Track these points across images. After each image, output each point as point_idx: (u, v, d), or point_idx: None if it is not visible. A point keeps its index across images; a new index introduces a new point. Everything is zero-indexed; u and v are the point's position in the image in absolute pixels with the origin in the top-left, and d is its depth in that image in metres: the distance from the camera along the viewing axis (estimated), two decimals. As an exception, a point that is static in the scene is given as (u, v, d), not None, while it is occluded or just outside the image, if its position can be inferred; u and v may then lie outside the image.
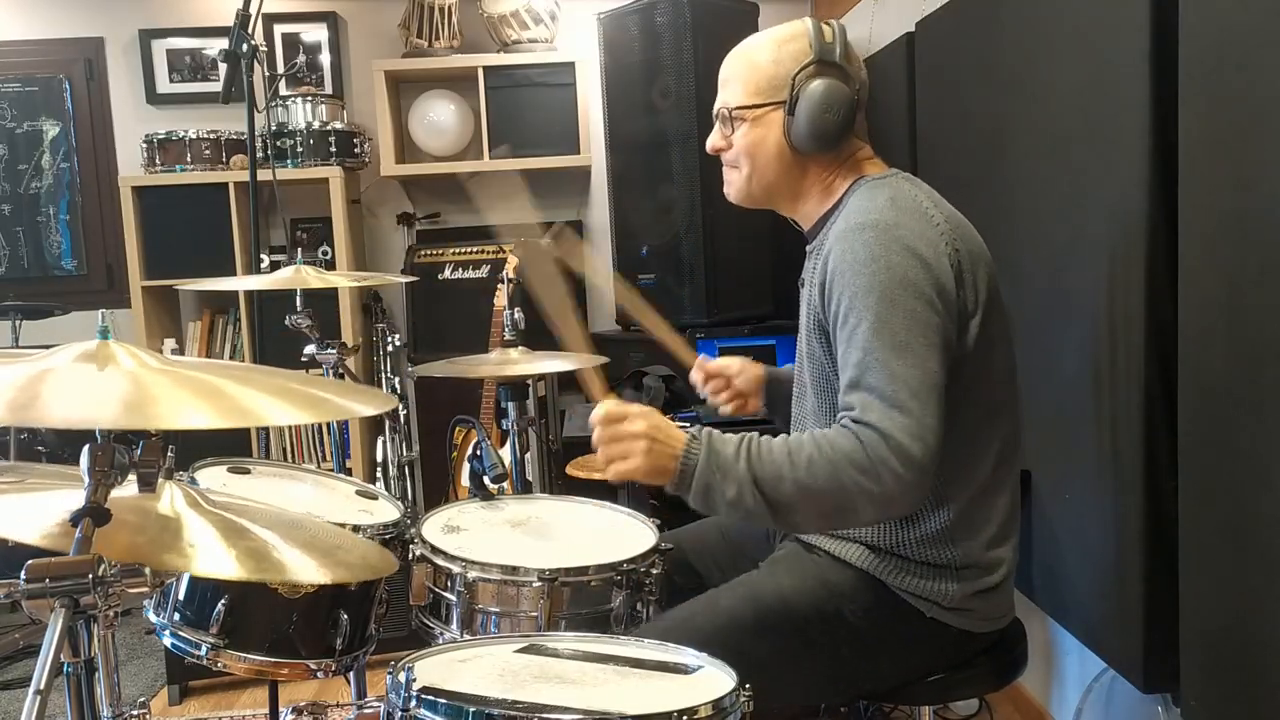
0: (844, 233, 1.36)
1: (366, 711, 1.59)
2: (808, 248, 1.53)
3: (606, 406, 1.33)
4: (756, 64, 1.46)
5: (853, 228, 1.35)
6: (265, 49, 2.67)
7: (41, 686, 0.85)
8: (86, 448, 0.97)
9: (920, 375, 1.24)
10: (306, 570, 1.13)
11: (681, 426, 1.33)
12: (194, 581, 1.45)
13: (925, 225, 1.35)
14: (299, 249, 2.75)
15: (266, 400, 1.00)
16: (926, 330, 1.27)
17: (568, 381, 3.58)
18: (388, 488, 3.50)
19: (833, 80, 1.40)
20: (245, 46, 2.48)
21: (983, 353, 1.36)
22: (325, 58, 3.85)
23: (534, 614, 1.44)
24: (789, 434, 1.37)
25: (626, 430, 1.30)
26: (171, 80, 3.84)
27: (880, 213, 1.35)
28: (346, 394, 1.17)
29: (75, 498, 0.96)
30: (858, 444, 1.22)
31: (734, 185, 1.52)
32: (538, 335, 1.97)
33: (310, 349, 2.19)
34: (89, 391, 0.94)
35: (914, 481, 1.21)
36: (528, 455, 2.25)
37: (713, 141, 1.52)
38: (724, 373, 1.74)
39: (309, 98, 3.63)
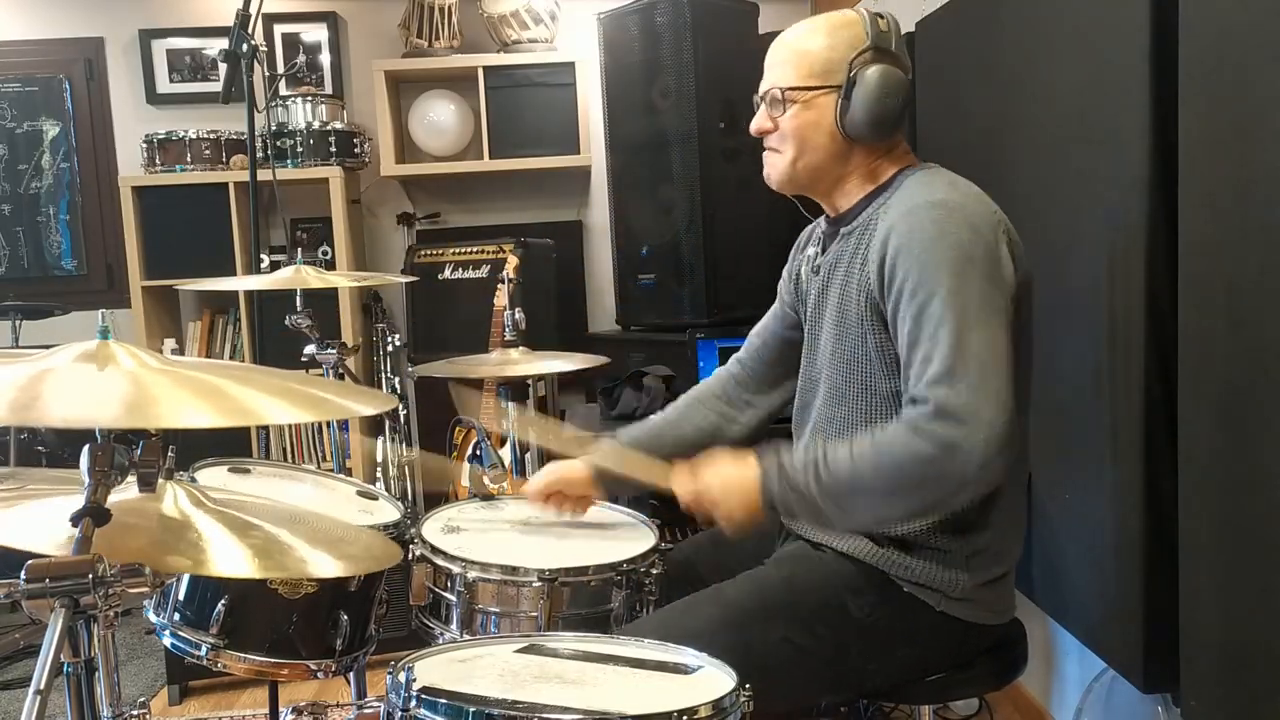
0: (911, 210, 1.36)
1: (366, 711, 1.59)
2: (843, 229, 1.50)
3: (682, 491, 1.43)
4: (809, 48, 1.45)
5: (921, 205, 1.36)
6: (265, 49, 2.67)
7: (41, 686, 0.85)
8: (86, 448, 0.97)
9: (990, 351, 1.26)
10: (317, 563, 1.14)
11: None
12: (194, 581, 1.45)
13: (987, 210, 1.37)
14: (299, 249, 2.75)
15: (267, 400, 1.00)
16: (993, 307, 1.29)
17: (568, 381, 3.59)
18: (388, 488, 3.51)
19: (890, 67, 1.41)
20: (245, 46, 2.48)
21: (1015, 340, 1.36)
22: (325, 58, 3.85)
23: (534, 614, 1.44)
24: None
25: (708, 500, 1.40)
26: (171, 80, 3.84)
27: (946, 192, 1.37)
28: (345, 394, 1.17)
29: (77, 503, 0.96)
30: (929, 435, 1.24)
31: (776, 168, 1.50)
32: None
33: (310, 349, 2.19)
34: (89, 391, 0.94)
35: (993, 453, 1.23)
36: (528, 455, 2.25)
37: (758, 123, 1.50)
38: (553, 489, 1.67)
39: (309, 98, 3.63)
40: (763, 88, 1.49)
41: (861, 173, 1.48)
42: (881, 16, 1.44)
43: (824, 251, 1.54)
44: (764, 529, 1.64)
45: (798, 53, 1.45)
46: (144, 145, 3.57)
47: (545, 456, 1.46)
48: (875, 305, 1.39)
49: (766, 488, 1.35)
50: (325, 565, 1.16)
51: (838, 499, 1.31)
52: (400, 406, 3.68)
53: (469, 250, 3.59)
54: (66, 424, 0.88)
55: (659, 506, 2.27)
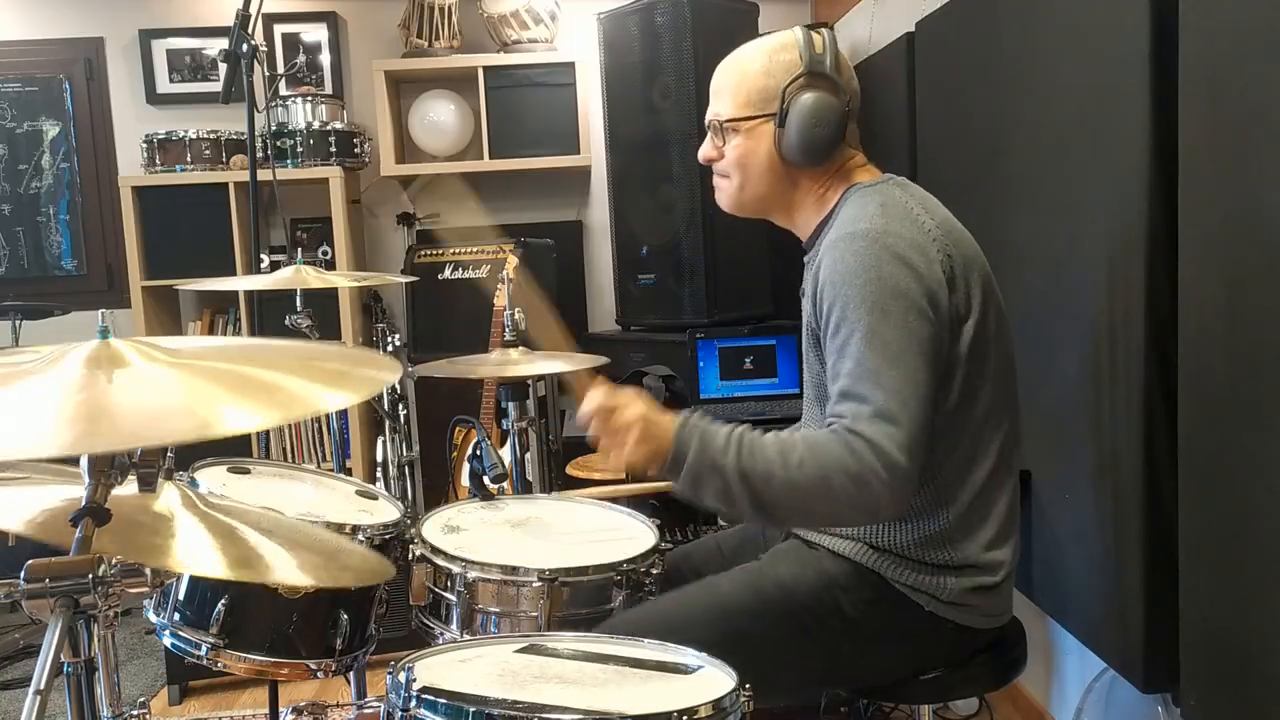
0: (835, 242, 1.36)
1: (366, 711, 1.59)
2: (805, 259, 1.53)
3: (598, 397, 1.34)
4: (747, 75, 1.46)
5: (843, 237, 1.35)
6: (265, 49, 2.67)
7: (41, 686, 0.85)
8: (86, 448, 0.96)
9: (911, 387, 1.25)
10: (296, 575, 1.13)
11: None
12: (194, 581, 1.45)
13: (916, 231, 1.35)
14: (299, 249, 2.74)
15: (307, 385, 0.93)
16: (917, 340, 1.28)
17: (567, 381, 3.58)
18: (388, 488, 3.50)
19: (822, 93, 1.41)
20: (245, 46, 2.48)
21: (979, 355, 1.36)
22: (325, 58, 3.85)
23: (534, 614, 1.44)
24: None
25: (619, 419, 1.32)
26: (171, 80, 3.84)
27: (870, 220, 1.35)
28: (363, 363, 1.09)
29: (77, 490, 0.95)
30: (848, 451, 1.23)
31: (725, 194, 1.53)
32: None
33: (310, 349, 2.19)
34: (151, 404, 0.88)
35: (899, 491, 1.23)
36: (528, 455, 2.25)
37: (704, 152, 1.53)
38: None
39: (309, 98, 3.63)
40: (707, 116, 1.51)
41: (812, 199, 1.49)
42: (818, 34, 1.43)
43: (803, 279, 1.56)
44: (763, 531, 1.65)
45: (737, 81, 1.46)
46: (144, 145, 3.57)
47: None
48: (816, 335, 1.40)
49: (682, 439, 1.29)
50: (306, 576, 1.14)
51: (747, 474, 1.26)
52: (400, 406, 3.69)
53: (469, 250, 3.59)
54: (142, 442, 0.82)
55: (659, 506, 2.27)
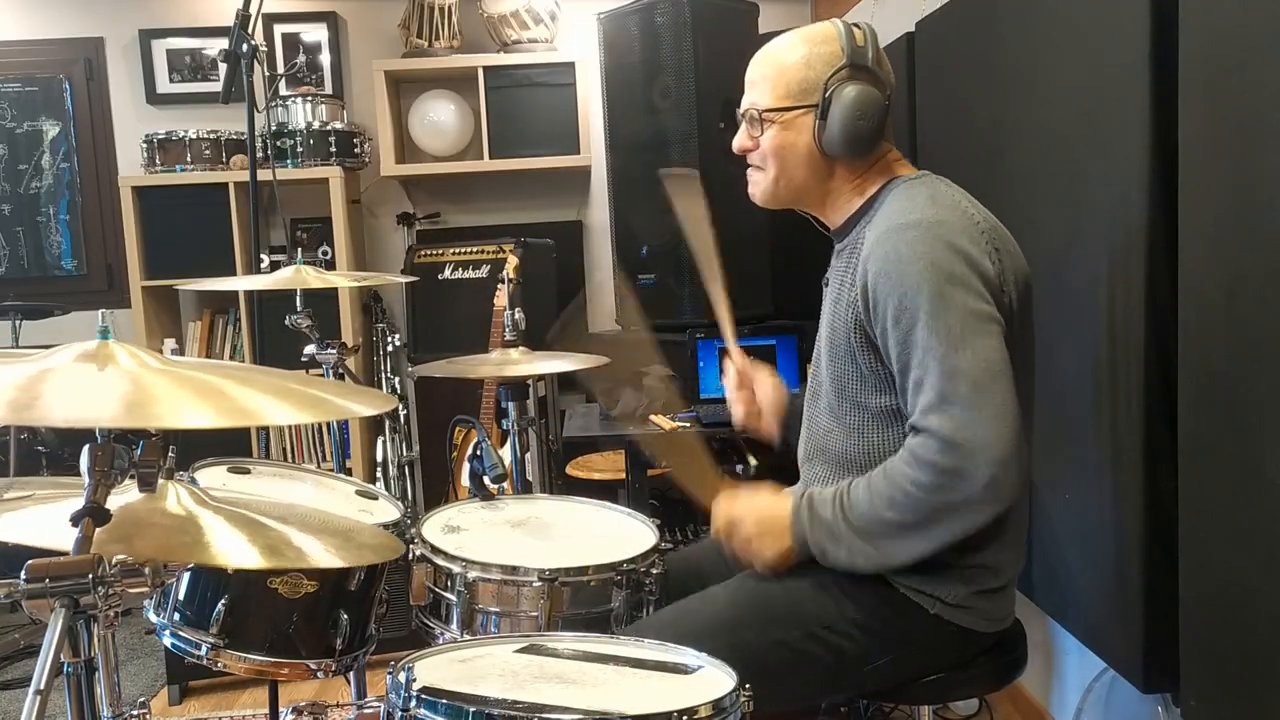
0: (886, 233, 1.35)
1: (366, 711, 1.59)
2: (837, 246, 1.52)
3: (717, 521, 1.46)
4: (786, 66, 1.44)
5: (895, 227, 1.35)
6: (265, 49, 2.67)
7: (41, 686, 0.85)
8: (86, 448, 0.97)
9: (982, 366, 1.25)
10: (325, 556, 1.15)
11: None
12: (194, 581, 1.45)
13: (967, 222, 1.36)
14: (299, 249, 2.74)
15: (266, 400, 1.00)
16: (980, 320, 1.28)
17: (568, 381, 3.58)
18: (388, 488, 3.51)
19: (866, 85, 1.40)
20: (245, 46, 2.48)
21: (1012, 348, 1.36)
22: (325, 58, 3.85)
23: (534, 614, 1.44)
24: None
25: (741, 537, 1.43)
26: (171, 80, 3.84)
27: (921, 211, 1.35)
28: (345, 394, 1.18)
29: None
30: (928, 466, 1.25)
31: (759, 186, 1.51)
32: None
33: (310, 349, 2.19)
34: (90, 391, 0.94)
35: (997, 472, 1.23)
36: (528, 455, 2.25)
37: (739, 142, 1.51)
38: (750, 383, 1.76)
39: (309, 98, 3.63)
40: (743, 105, 1.50)
41: (848, 188, 1.48)
42: (858, 27, 1.43)
43: (830, 266, 1.54)
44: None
45: (775, 72, 1.45)
46: (144, 145, 3.57)
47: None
48: (862, 327, 1.39)
49: (798, 524, 1.38)
50: (333, 558, 1.17)
51: (860, 532, 1.33)
52: (400, 406, 3.69)
53: (469, 250, 3.59)
54: (67, 423, 0.88)
55: (659, 506, 2.26)
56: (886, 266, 1.32)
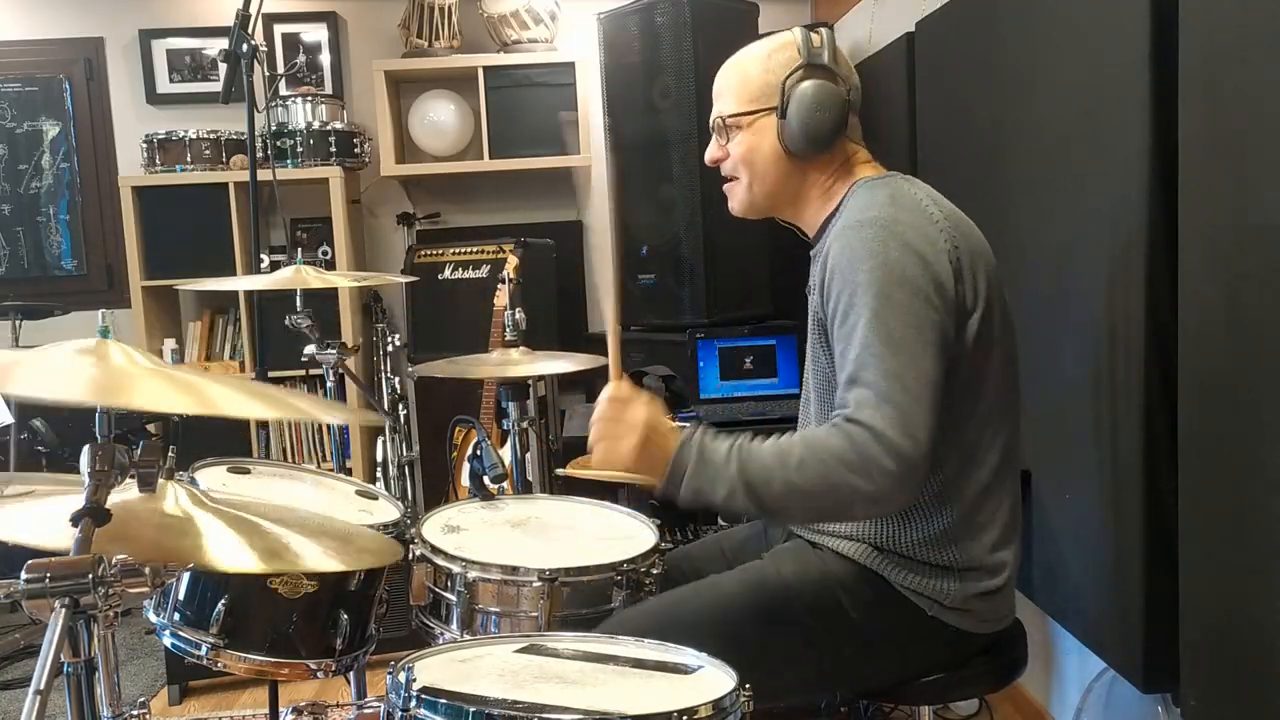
0: (843, 230, 1.36)
1: (366, 711, 1.59)
2: (812, 253, 1.53)
3: (617, 386, 1.34)
4: (748, 74, 1.48)
5: (851, 225, 1.36)
6: (265, 49, 2.67)
7: (41, 686, 0.85)
8: (87, 448, 0.97)
9: (915, 372, 1.25)
10: (324, 560, 1.15)
11: (681, 426, 1.33)
12: (194, 581, 1.45)
13: (924, 221, 1.35)
14: (299, 249, 2.75)
15: (228, 393, 1.01)
16: (923, 327, 1.28)
17: (568, 381, 3.59)
18: (388, 488, 3.51)
19: (823, 81, 1.42)
20: (245, 46, 2.47)
21: (982, 351, 1.36)
22: (325, 58, 3.85)
23: (534, 614, 1.44)
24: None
25: (627, 416, 1.31)
26: (171, 80, 3.84)
27: (879, 209, 1.36)
28: (309, 402, 1.18)
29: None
30: (848, 442, 1.23)
31: (736, 196, 1.53)
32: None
33: (310, 349, 2.19)
34: (64, 373, 0.94)
35: (904, 477, 1.22)
36: (528, 455, 2.25)
37: (710, 153, 1.54)
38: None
39: (309, 98, 3.63)
40: (711, 118, 1.52)
41: (819, 191, 1.49)
42: (816, 32, 1.45)
43: (810, 274, 1.55)
44: (765, 531, 1.65)
45: (739, 80, 1.48)
46: (144, 145, 3.57)
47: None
48: (824, 325, 1.39)
49: (677, 465, 1.29)
50: (332, 561, 1.17)
51: (751, 483, 1.26)
52: (400, 406, 3.69)
53: (469, 250, 3.59)
54: (33, 395, 0.89)
55: (659, 507, 2.27)
56: (840, 262, 1.33)
